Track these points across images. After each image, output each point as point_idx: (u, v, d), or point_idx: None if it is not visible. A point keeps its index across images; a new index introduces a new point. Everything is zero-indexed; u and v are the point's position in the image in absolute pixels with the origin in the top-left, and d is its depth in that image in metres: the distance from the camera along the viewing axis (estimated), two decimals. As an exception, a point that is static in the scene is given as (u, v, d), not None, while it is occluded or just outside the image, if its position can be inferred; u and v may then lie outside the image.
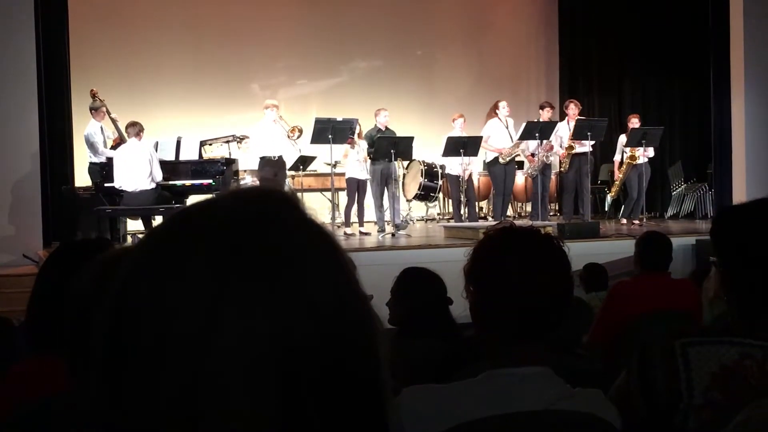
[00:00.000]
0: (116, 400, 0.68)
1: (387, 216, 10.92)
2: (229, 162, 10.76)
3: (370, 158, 10.70)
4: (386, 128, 11.00)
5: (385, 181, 10.61)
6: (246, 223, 0.72)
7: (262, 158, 10.65)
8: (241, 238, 0.70)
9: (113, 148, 10.57)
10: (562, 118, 12.11)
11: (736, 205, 2.03)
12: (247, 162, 11.53)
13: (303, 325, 0.68)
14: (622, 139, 11.85)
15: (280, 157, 10.72)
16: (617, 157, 12.07)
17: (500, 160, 11.33)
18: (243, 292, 0.68)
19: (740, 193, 11.14)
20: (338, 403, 0.69)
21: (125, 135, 10.12)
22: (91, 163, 10.55)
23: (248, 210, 0.74)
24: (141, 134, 9.84)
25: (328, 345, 0.69)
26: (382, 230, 10.69)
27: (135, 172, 9.64)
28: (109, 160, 10.20)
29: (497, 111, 11.51)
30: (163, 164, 10.03)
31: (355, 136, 10.79)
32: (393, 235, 10.45)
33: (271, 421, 0.66)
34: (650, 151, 11.69)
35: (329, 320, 0.70)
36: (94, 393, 0.70)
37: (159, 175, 9.81)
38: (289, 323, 0.68)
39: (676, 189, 13.67)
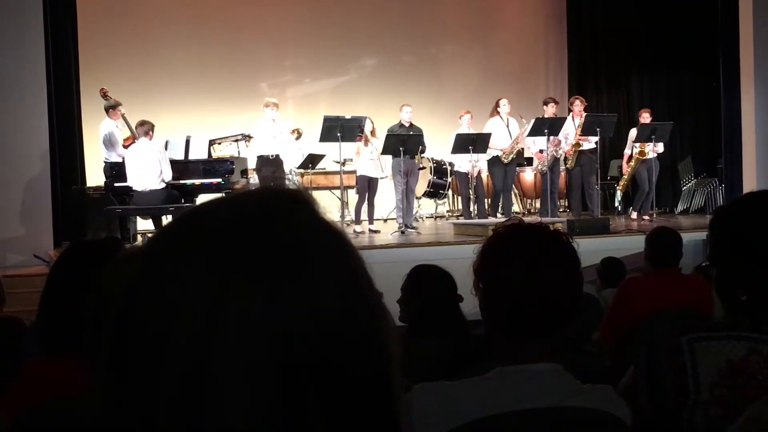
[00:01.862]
0: (120, 401, 0.68)
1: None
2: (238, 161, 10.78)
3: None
4: (411, 124, 10.99)
5: (406, 175, 10.60)
6: (251, 222, 0.72)
7: (259, 157, 10.66)
8: (246, 237, 0.70)
9: (126, 147, 10.59)
10: (568, 114, 12.09)
11: (734, 201, 2.01)
12: (254, 161, 11.55)
13: (305, 326, 0.68)
14: (633, 133, 11.82)
15: (278, 156, 10.69)
16: (627, 151, 12.05)
17: (502, 159, 11.32)
18: (244, 291, 0.67)
19: (750, 187, 11.08)
20: (343, 402, 0.69)
21: (137, 134, 10.13)
22: (106, 162, 10.55)
23: (255, 209, 0.74)
24: (151, 133, 9.81)
25: (330, 345, 0.68)
26: (402, 227, 10.66)
27: (145, 172, 9.63)
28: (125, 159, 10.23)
29: (498, 109, 11.50)
30: (173, 163, 10.02)
31: (369, 134, 10.79)
32: (402, 232, 10.44)
33: (272, 421, 0.66)
34: (660, 147, 11.64)
35: (333, 320, 0.69)
36: (100, 393, 0.71)
37: (169, 175, 9.79)
38: (290, 323, 0.67)
39: (686, 184, 13.64)
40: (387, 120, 11.18)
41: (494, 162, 11.46)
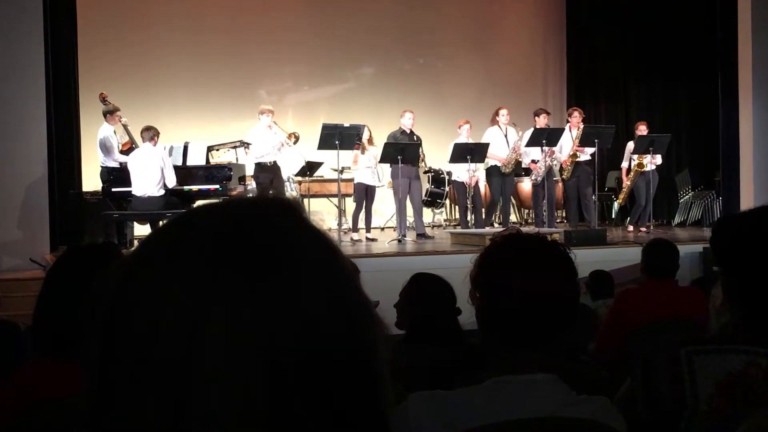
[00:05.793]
0: (107, 399, 0.69)
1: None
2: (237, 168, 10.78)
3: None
4: (411, 131, 10.98)
5: (407, 179, 10.61)
6: (240, 224, 0.73)
7: (257, 164, 10.68)
8: (234, 239, 0.72)
9: (123, 152, 10.59)
10: (565, 125, 12.09)
11: (734, 214, 2.03)
12: (252, 168, 11.56)
13: (289, 328, 0.69)
14: (630, 145, 11.84)
15: (275, 163, 10.74)
16: (625, 164, 12.07)
17: (502, 170, 11.30)
18: (231, 290, 0.68)
19: (748, 200, 11.09)
20: (330, 405, 0.70)
21: (137, 140, 10.09)
22: (103, 167, 10.54)
23: (244, 213, 0.76)
24: (156, 139, 9.78)
25: (317, 348, 0.69)
26: (403, 236, 10.62)
27: (145, 178, 9.60)
28: (121, 164, 10.22)
29: (498, 118, 11.50)
30: (174, 169, 10.00)
31: (365, 142, 10.80)
32: (399, 241, 10.43)
33: (259, 420, 0.66)
34: (658, 159, 11.66)
35: (318, 325, 0.70)
36: (89, 396, 0.71)
37: (172, 181, 9.76)
38: (275, 325, 0.68)
39: (684, 196, 13.64)
40: (386, 128, 11.19)
41: (492, 171, 11.45)
